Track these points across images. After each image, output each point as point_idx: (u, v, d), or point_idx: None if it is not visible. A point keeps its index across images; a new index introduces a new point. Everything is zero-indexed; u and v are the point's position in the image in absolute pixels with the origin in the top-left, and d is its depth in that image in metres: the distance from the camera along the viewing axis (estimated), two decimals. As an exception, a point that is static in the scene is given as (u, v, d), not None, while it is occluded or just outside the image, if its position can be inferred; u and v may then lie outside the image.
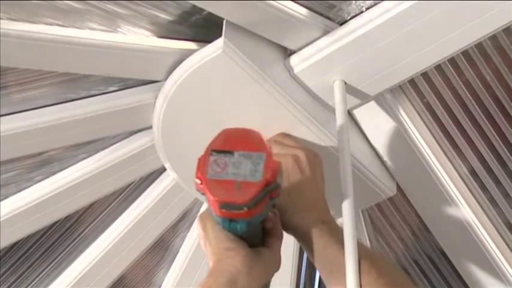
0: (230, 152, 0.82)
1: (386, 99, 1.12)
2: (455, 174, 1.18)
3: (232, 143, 0.84)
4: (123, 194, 1.29)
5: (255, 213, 0.83)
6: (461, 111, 1.13)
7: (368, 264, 0.88)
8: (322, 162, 1.02)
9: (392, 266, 1.15)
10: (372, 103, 1.11)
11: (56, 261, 1.33)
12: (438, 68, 1.08)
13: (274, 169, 0.82)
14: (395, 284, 0.90)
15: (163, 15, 1.04)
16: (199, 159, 0.83)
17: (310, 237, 0.93)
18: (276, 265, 0.90)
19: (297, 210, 0.94)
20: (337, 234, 0.91)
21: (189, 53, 1.06)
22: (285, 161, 0.98)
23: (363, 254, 0.89)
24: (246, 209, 0.80)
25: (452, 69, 1.09)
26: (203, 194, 0.83)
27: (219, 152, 0.83)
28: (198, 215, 0.92)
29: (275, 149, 1.00)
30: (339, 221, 0.96)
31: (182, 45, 1.08)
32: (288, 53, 1.08)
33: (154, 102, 1.12)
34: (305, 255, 1.39)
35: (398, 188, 1.21)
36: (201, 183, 0.82)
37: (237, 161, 0.81)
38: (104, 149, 1.21)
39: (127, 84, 1.13)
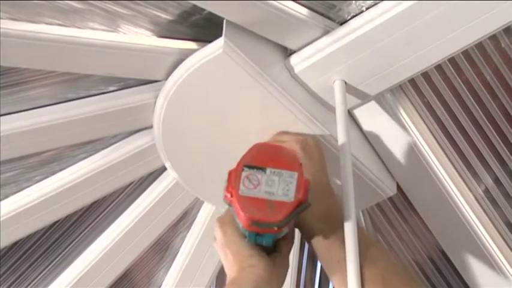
0: (262, 169, 0.83)
1: (386, 99, 1.12)
2: (456, 173, 1.18)
3: (263, 158, 0.84)
4: (123, 194, 1.29)
5: (283, 230, 0.84)
6: (461, 111, 1.13)
7: (381, 248, 0.90)
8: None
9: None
10: (372, 103, 1.11)
11: (56, 261, 1.33)
12: (438, 67, 1.08)
13: (305, 189, 0.83)
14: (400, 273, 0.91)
15: (163, 15, 1.04)
16: (230, 173, 0.83)
17: (314, 239, 0.94)
18: (286, 269, 0.92)
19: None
20: (342, 234, 0.91)
21: (189, 52, 1.06)
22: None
23: (372, 242, 0.91)
24: (276, 228, 0.81)
25: (452, 69, 1.09)
26: (230, 205, 0.83)
27: (251, 167, 0.83)
28: (217, 218, 0.93)
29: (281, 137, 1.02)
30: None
31: (182, 45, 1.08)
32: (288, 52, 1.08)
33: (155, 101, 1.12)
34: (305, 255, 1.39)
35: (398, 188, 1.21)
36: (231, 196, 0.82)
37: (269, 178, 0.82)
38: (104, 148, 1.21)
39: (127, 84, 1.13)
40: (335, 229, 0.92)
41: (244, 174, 0.83)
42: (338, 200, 0.96)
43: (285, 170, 0.83)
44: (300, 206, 0.82)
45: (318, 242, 0.94)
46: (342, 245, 0.90)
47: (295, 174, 0.83)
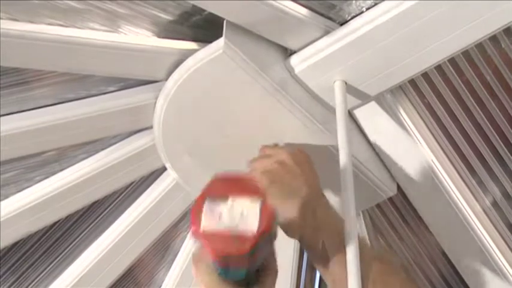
0: (224, 199, 0.79)
1: (386, 99, 1.12)
2: (456, 174, 1.18)
3: (225, 188, 0.80)
4: (123, 194, 1.29)
5: (254, 261, 0.80)
6: (462, 111, 1.13)
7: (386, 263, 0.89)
8: (310, 156, 1.02)
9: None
10: (373, 103, 1.11)
11: (56, 261, 1.33)
12: (438, 68, 1.08)
13: (270, 217, 0.78)
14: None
15: (164, 16, 1.04)
16: (192, 209, 0.79)
17: (315, 254, 0.92)
18: None
19: (294, 221, 0.93)
20: (341, 248, 0.89)
21: (189, 53, 1.06)
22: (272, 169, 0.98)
23: (376, 256, 0.90)
24: (244, 260, 0.78)
25: (452, 69, 1.09)
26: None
27: (212, 199, 0.79)
28: (192, 255, 0.89)
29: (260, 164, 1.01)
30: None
31: (183, 45, 1.08)
32: (288, 53, 1.08)
33: (155, 102, 1.12)
34: (305, 257, 1.39)
35: (398, 188, 1.21)
36: (196, 234, 0.78)
37: (231, 209, 0.78)
38: (104, 149, 1.21)
39: (127, 84, 1.13)
40: (337, 245, 0.91)
41: (205, 207, 0.78)
42: (335, 214, 0.95)
43: (248, 198, 0.78)
44: (265, 235, 0.77)
45: (320, 260, 0.92)
46: (342, 260, 0.88)
47: (258, 203, 0.78)
